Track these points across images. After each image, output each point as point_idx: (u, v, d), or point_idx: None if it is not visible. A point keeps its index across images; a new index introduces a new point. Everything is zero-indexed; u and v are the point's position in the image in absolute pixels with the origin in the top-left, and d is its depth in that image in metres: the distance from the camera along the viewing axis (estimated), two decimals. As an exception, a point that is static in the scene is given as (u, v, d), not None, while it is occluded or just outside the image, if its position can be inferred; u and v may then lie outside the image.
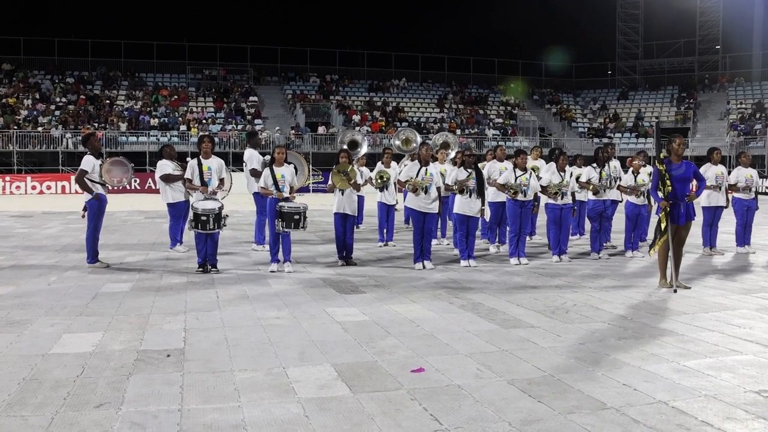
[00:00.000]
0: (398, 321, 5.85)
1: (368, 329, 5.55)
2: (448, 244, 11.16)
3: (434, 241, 9.98)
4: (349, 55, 45.45)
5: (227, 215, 8.58)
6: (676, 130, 33.70)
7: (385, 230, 11.19)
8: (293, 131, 35.29)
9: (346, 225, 9.05)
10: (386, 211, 11.21)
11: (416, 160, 9.14)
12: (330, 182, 9.21)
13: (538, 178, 9.50)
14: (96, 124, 32.94)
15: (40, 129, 31.90)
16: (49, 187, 28.28)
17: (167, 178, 10.05)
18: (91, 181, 8.61)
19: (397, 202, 11.53)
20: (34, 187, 28.21)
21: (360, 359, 4.72)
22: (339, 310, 6.28)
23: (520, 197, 9.15)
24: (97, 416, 3.66)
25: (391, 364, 4.59)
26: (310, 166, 22.32)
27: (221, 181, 8.89)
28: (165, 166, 10.14)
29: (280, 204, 8.32)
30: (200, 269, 8.33)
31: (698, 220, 8.77)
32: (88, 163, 8.60)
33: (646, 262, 9.49)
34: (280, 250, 8.51)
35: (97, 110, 34.98)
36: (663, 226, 7.38)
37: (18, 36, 39.33)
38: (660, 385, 4.19)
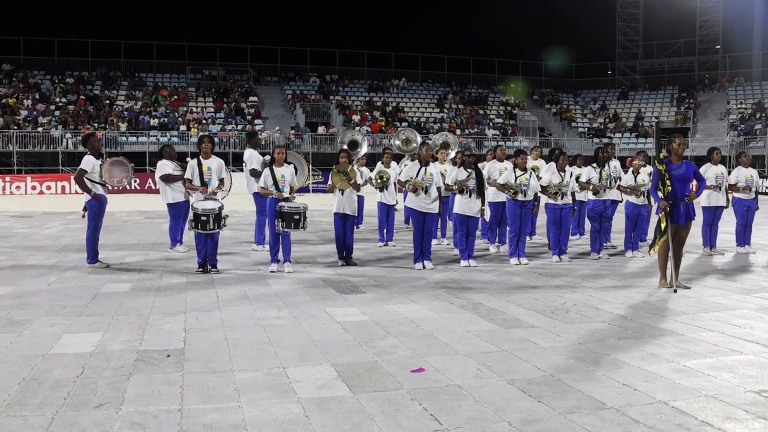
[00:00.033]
0: (398, 321, 5.85)
1: (368, 329, 5.55)
2: (448, 244, 11.16)
3: (434, 241, 9.98)
4: (349, 55, 45.51)
5: (227, 215, 8.59)
6: (676, 130, 33.70)
7: (385, 230, 11.19)
8: (293, 131, 35.28)
9: (346, 225, 9.05)
10: (386, 211, 11.21)
11: (416, 160, 9.14)
12: (330, 182, 9.21)
13: (538, 178, 9.51)
14: (96, 125, 32.94)
15: (40, 129, 31.90)
16: (49, 188, 28.27)
17: (167, 179, 10.05)
18: (91, 181, 8.61)
19: (397, 202, 11.53)
20: (34, 188, 28.20)
21: (360, 359, 4.72)
22: (339, 310, 6.28)
23: (520, 197, 9.15)
24: (97, 416, 3.66)
25: (391, 364, 4.59)
26: (310, 166, 22.33)
27: (221, 181, 8.90)
28: (165, 167, 10.15)
29: (280, 204, 8.32)
30: (200, 269, 8.33)
31: (698, 220, 8.77)
32: (88, 163, 8.60)
33: (646, 262, 9.49)
34: (280, 250, 8.52)
35: (97, 110, 34.97)
36: (663, 226, 7.38)
37: (18, 36, 39.39)
38: (660, 385, 4.19)
